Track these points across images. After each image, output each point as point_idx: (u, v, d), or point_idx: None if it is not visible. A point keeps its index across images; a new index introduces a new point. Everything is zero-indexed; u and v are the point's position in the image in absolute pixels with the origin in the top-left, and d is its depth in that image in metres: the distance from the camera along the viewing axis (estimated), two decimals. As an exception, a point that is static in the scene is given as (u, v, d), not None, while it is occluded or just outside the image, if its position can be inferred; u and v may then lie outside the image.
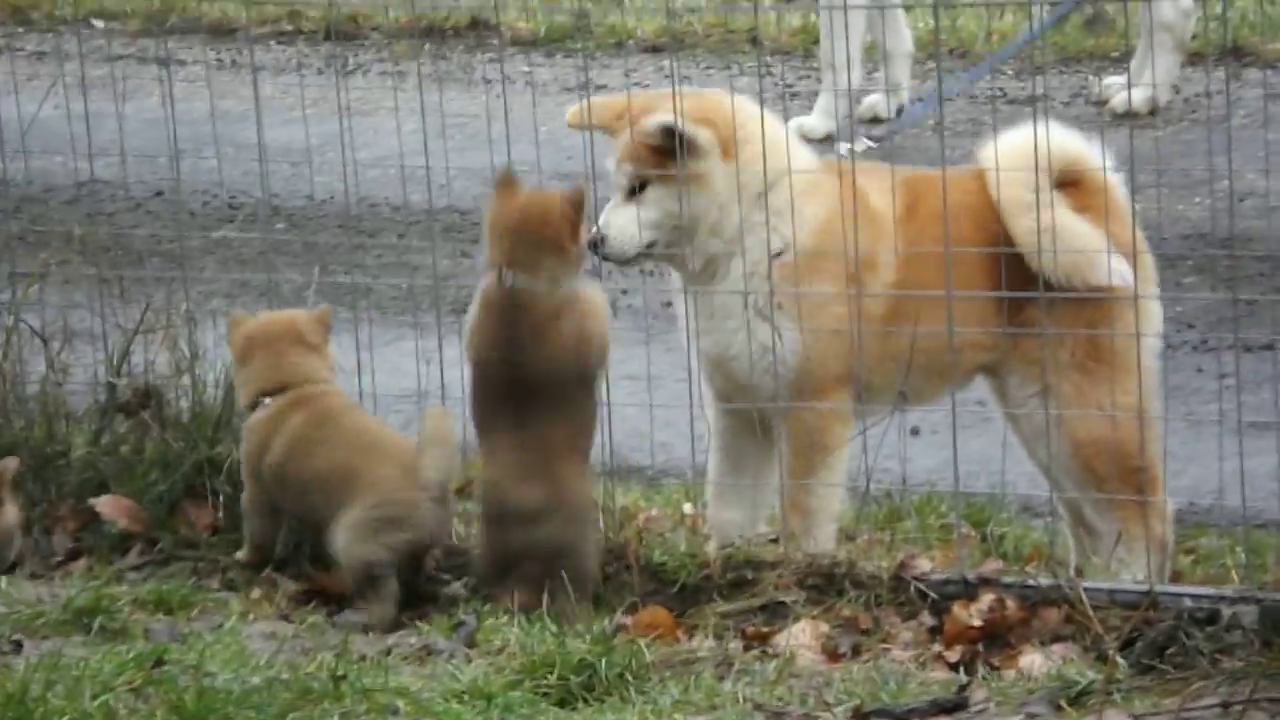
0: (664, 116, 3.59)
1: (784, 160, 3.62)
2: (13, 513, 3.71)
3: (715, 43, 7.11)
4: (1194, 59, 6.72)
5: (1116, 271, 3.57)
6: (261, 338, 3.74)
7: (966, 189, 3.65)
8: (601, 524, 3.64)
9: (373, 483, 3.59)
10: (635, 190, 3.64)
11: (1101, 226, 3.58)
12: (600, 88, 6.83)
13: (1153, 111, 6.37)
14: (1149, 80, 6.35)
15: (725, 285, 3.63)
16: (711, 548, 3.64)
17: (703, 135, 3.60)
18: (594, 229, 3.62)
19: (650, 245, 3.65)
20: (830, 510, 3.65)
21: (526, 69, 6.91)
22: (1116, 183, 3.64)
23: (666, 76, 6.87)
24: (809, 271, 3.59)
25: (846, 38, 6.20)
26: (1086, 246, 3.58)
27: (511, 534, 3.51)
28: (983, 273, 3.60)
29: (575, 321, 3.53)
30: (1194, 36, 6.66)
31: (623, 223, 3.62)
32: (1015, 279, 3.60)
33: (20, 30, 7.30)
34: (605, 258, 3.65)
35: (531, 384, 3.51)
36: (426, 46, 7.16)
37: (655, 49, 7.17)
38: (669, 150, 3.60)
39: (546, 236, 3.56)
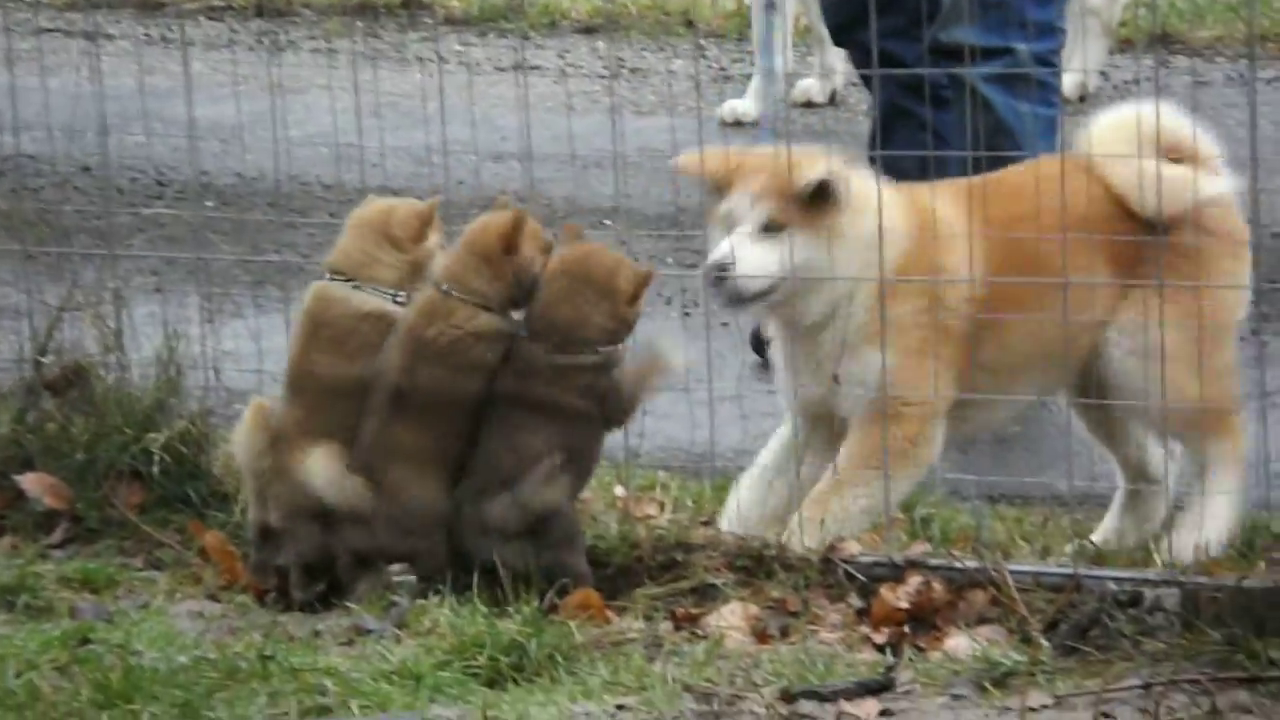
0: (822, 170, 3.55)
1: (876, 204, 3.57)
2: None
3: (650, 24, 7.11)
4: (1123, 45, 6.78)
5: (1212, 186, 3.54)
6: None
7: (1042, 189, 3.58)
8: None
9: None
10: (766, 230, 3.56)
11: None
12: (534, 68, 6.82)
13: (1082, 97, 6.42)
14: (1078, 66, 6.39)
15: (830, 333, 3.59)
16: (724, 525, 3.63)
17: (854, 186, 3.57)
18: (712, 260, 3.55)
19: (772, 289, 3.56)
20: (871, 511, 3.62)
21: (460, 48, 6.88)
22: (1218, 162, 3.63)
23: (601, 57, 6.87)
24: (899, 300, 3.55)
25: (780, 20, 6.21)
26: (1183, 174, 3.56)
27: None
28: (1075, 263, 3.55)
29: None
30: (1123, 23, 6.71)
31: (754, 257, 3.55)
32: (1121, 257, 3.57)
33: (-56, 2, 7.21)
34: (728, 292, 3.54)
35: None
36: (359, 24, 7.11)
37: (590, 30, 7.16)
38: (810, 201, 3.55)
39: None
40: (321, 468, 3.52)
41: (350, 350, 3.59)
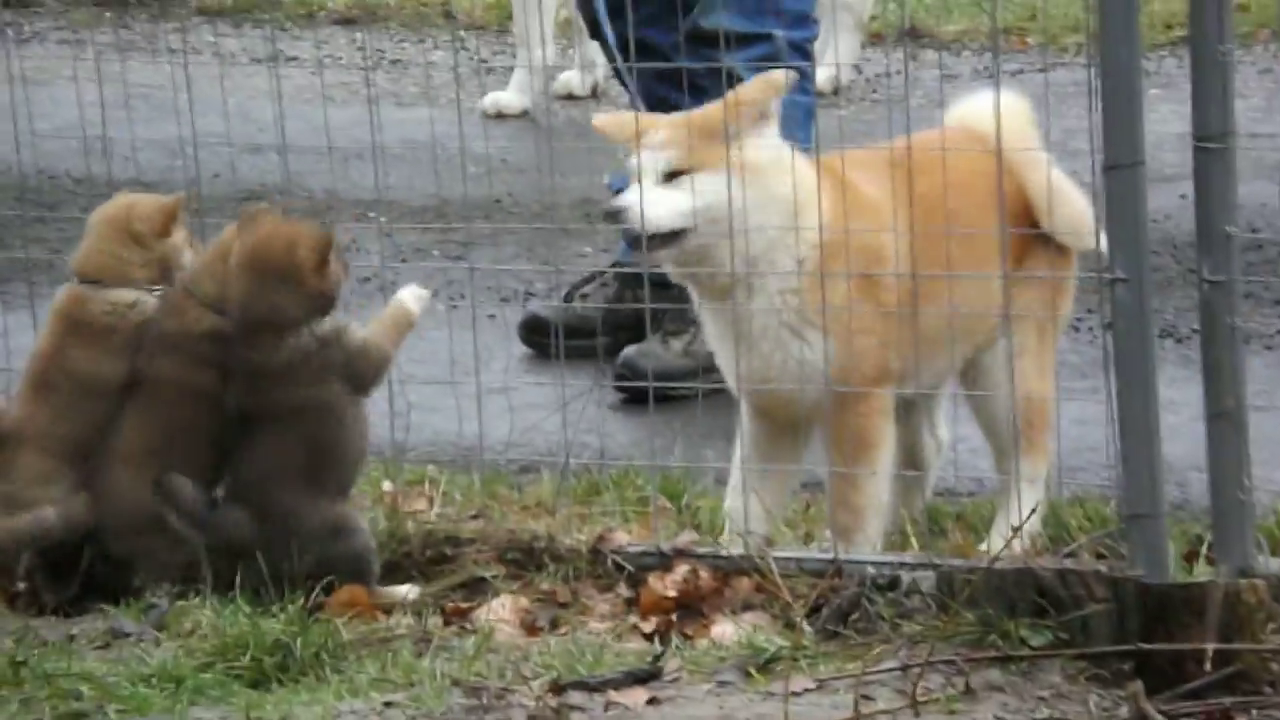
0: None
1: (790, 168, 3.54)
2: None
3: (409, 16, 7.05)
4: (874, 39, 6.92)
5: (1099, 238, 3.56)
6: None
7: (953, 160, 3.55)
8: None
9: None
10: (670, 178, 3.52)
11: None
12: (290, 59, 6.71)
13: (835, 91, 6.54)
14: (831, 60, 6.51)
15: (758, 303, 3.53)
16: (725, 537, 3.59)
17: (766, 144, 3.52)
18: (605, 207, 3.52)
19: (681, 233, 3.49)
20: (877, 505, 3.60)
21: (213, 39, 6.74)
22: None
23: (359, 49, 6.79)
24: (828, 277, 3.51)
25: (540, 13, 6.22)
26: (1083, 210, 3.62)
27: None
28: (988, 242, 3.55)
29: None
30: (873, 17, 6.86)
31: (658, 200, 3.49)
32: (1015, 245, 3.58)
33: None
34: (628, 235, 3.47)
35: None
36: (107, 15, 6.94)
37: (348, 21, 7.07)
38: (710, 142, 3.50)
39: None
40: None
41: (114, 345, 3.51)
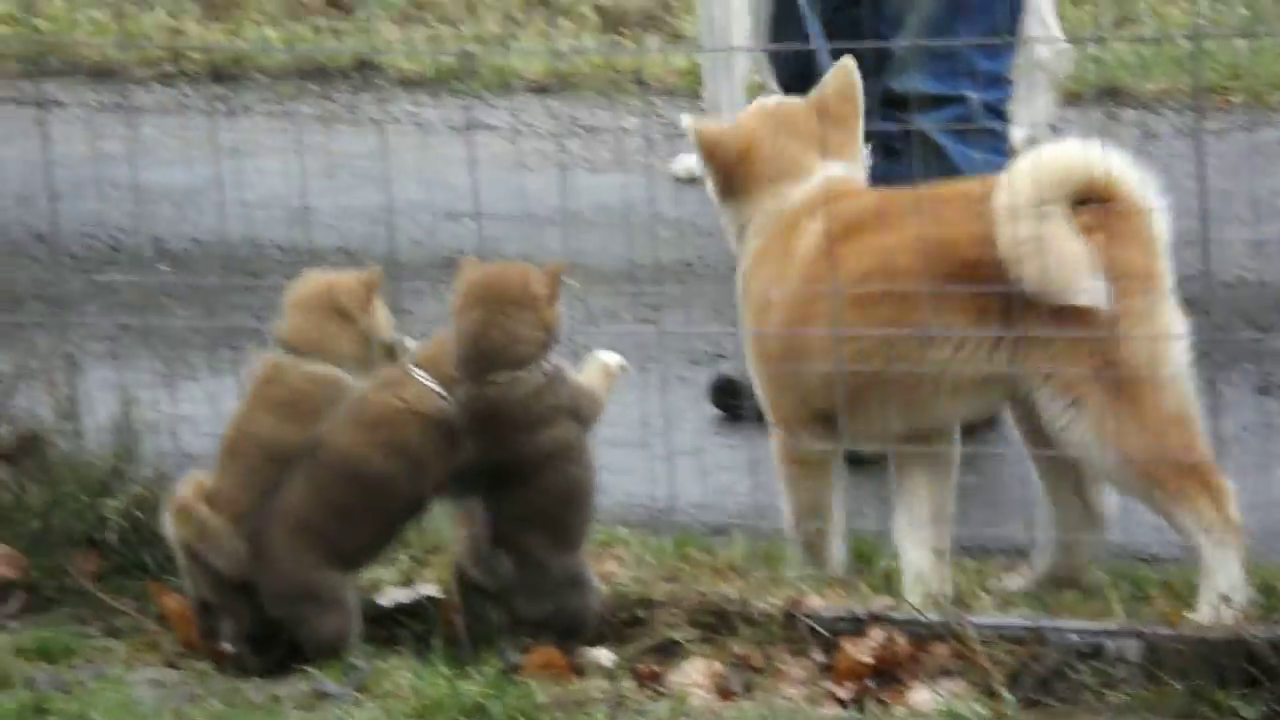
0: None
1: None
2: None
3: (602, 83, 7.14)
4: (1071, 98, 6.84)
5: (1087, 291, 3.51)
6: None
7: (942, 215, 3.57)
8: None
9: None
10: None
11: (1108, 249, 3.51)
12: (487, 127, 6.84)
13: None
14: (1027, 120, 6.45)
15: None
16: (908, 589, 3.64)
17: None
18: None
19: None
20: (801, 541, 3.70)
21: (413, 108, 6.90)
22: (1150, 206, 3.54)
23: (553, 116, 6.89)
24: (746, 311, 3.72)
25: (730, 78, 6.25)
26: (1072, 262, 3.51)
27: None
28: (937, 299, 3.53)
29: None
30: (1070, 77, 6.78)
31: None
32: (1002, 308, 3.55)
33: (-105, 71, 7.20)
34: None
35: None
36: (311, 87, 7.13)
37: (542, 89, 7.19)
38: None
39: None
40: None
41: (302, 415, 3.58)
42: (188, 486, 3.57)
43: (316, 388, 3.59)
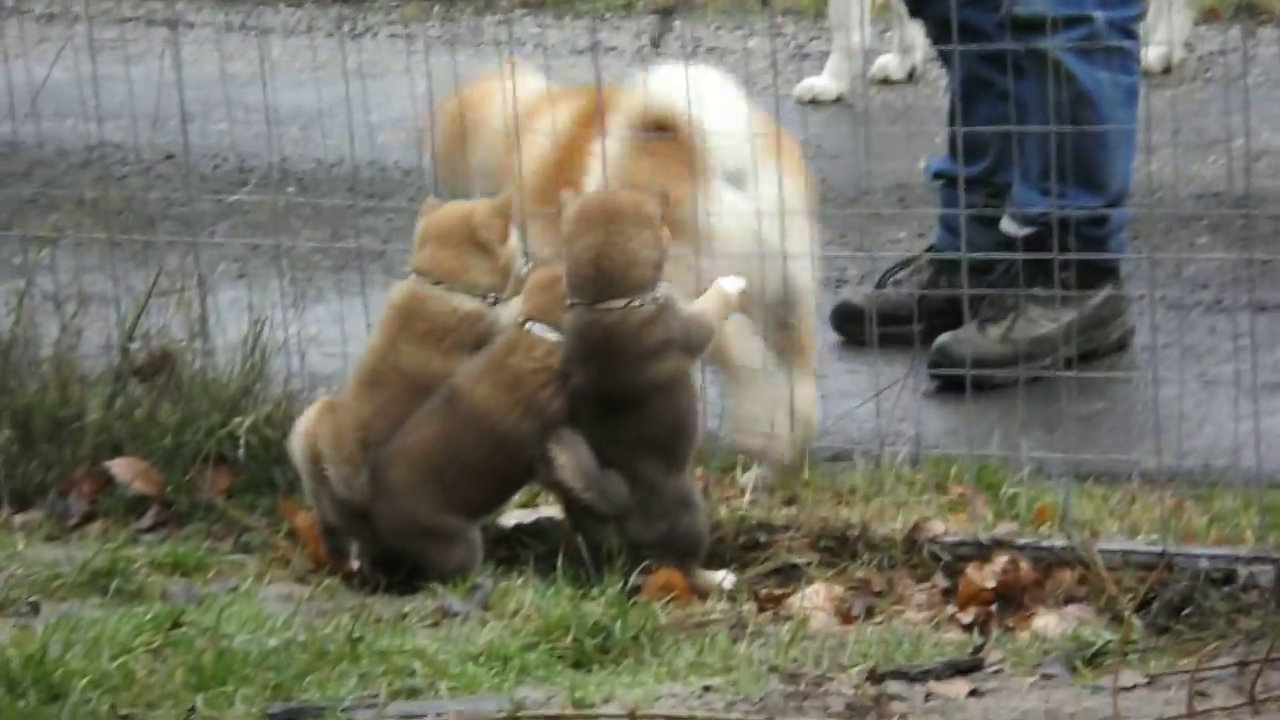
0: None
1: None
2: None
3: (726, 3, 7.08)
4: (1208, 16, 6.68)
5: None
6: None
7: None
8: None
9: None
10: None
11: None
12: (610, 49, 6.81)
13: (1167, 69, 6.34)
14: (1163, 38, 6.32)
15: None
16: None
17: None
18: None
19: None
20: None
21: (536, 30, 6.88)
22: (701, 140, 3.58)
23: (677, 38, 6.85)
24: None
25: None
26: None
27: None
28: None
29: None
30: (1208, -7, 6.62)
31: None
32: None
33: (29, -8, 7.29)
34: None
35: None
36: (435, 9, 7.13)
37: (666, 10, 7.14)
38: None
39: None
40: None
41: (446, 348, 3.58)
42: (316, 409, 3.61)
43: (461, 321, 3.59)
